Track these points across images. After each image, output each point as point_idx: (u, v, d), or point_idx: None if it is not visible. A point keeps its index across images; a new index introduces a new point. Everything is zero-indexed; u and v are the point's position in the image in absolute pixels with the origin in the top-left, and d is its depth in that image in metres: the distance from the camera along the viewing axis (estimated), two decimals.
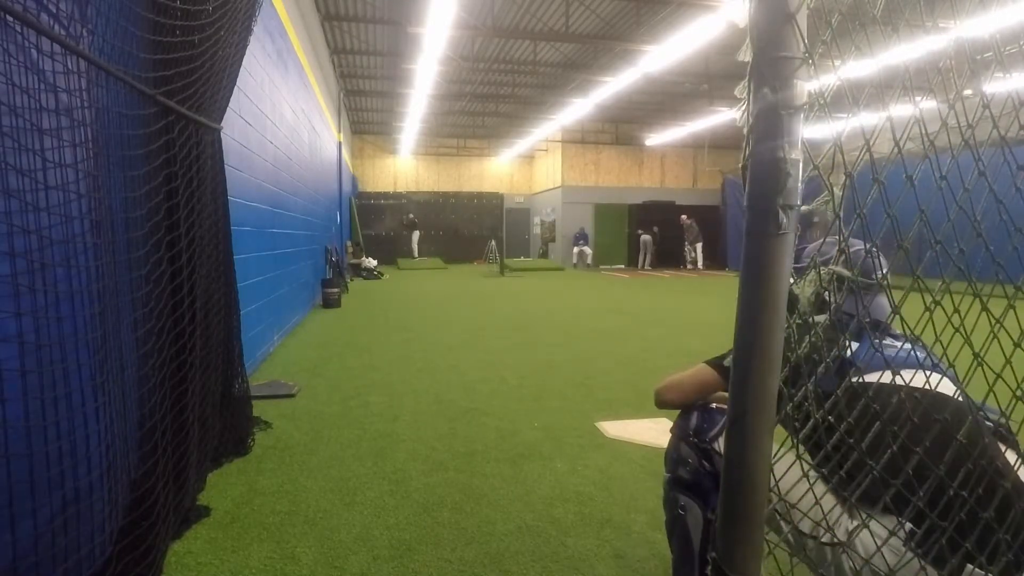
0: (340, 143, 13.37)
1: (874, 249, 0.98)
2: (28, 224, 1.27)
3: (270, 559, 1.88)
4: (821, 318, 1.19)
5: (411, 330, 6.30)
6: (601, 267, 18.67)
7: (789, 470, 0.90)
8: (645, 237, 18.12)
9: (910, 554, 0.98)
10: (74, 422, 1.41)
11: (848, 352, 1.14)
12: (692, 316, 7.70)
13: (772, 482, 0.82)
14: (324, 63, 10.88)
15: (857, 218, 0.86)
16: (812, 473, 0.96)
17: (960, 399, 1.04)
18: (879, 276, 1.03)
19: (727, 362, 1.42)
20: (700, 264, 17.71)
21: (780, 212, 0.68)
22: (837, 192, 0.79)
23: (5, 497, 1.26)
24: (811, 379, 0.89)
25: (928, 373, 1.03)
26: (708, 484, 1.37)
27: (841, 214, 0.82)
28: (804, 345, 0.94)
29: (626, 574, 1.83)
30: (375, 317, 7.27)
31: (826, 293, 1.25)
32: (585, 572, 1.83)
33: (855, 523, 1.03)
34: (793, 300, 1.04)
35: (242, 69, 2.72)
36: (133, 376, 1.78)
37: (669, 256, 18.20)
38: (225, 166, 2.67)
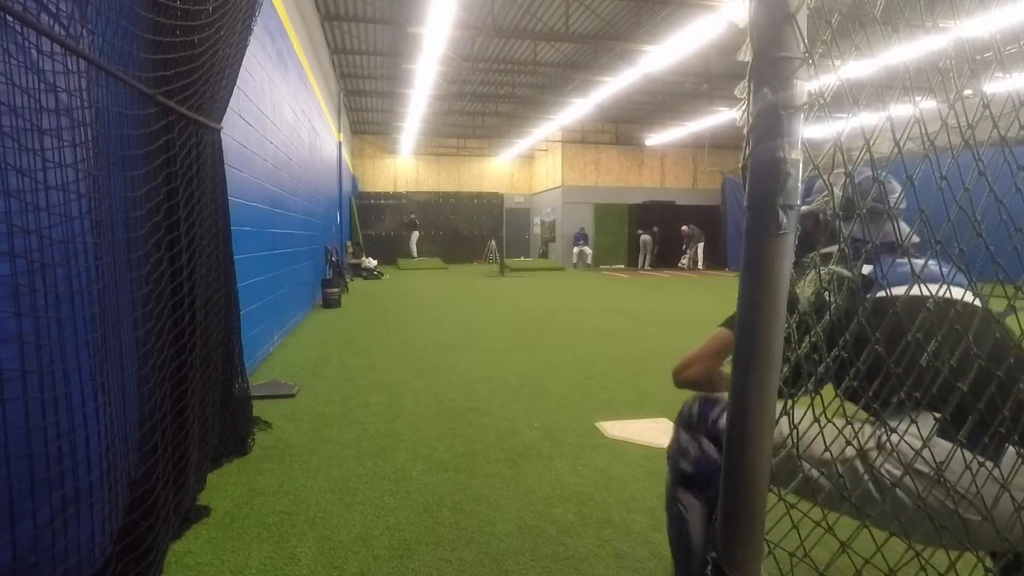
0: (340, 143, 13.37)
1: (883, 175, 0.98)
2: (28, 224, 1.27)
3: (270, 559, 1.88)
4: (830, 249, 1.18)
5: (411, 330, 6.30)
6: (601, 267, 18.67)
7: (805, 414, 0.89)
8: (645, 237, 18.12)
9: (947, 448, 0.97)
10: (74, 422, 1.41)
11: (862, 273, 1.12)
12: (692, 316, 7.70)
13: (787, 428, 0.81)
14: (324, 63, 10.88)
15: (857, 218, 0.86)
16: (828, 412, 0.96)
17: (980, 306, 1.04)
18: (892, 201, 1.04)
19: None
20: (701, 264, 17.71)
21: (780, 212, 0.68)
22: (837, 192, 0.79)
23: (5, 497, 1.26)
24: (822, 314, 0.88)
25: (948, 285, 1.01)
26: (711, 471, 1.33)
27: (841, 213, 0.82)
28: (804, 346, 0.94)
29: (626, 574, 1.83)
30: (375, 317, 7.27)
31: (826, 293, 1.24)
32: (585, 572, 1.83)
33: (883, 432, 1.01)
34: (793, 301, 1.04)
35: (242, 69, 2.71)
36: (133, 376, 1.78)
37: (669, 256, 18.21)
38: (225, 166, 2.67)
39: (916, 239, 1.28)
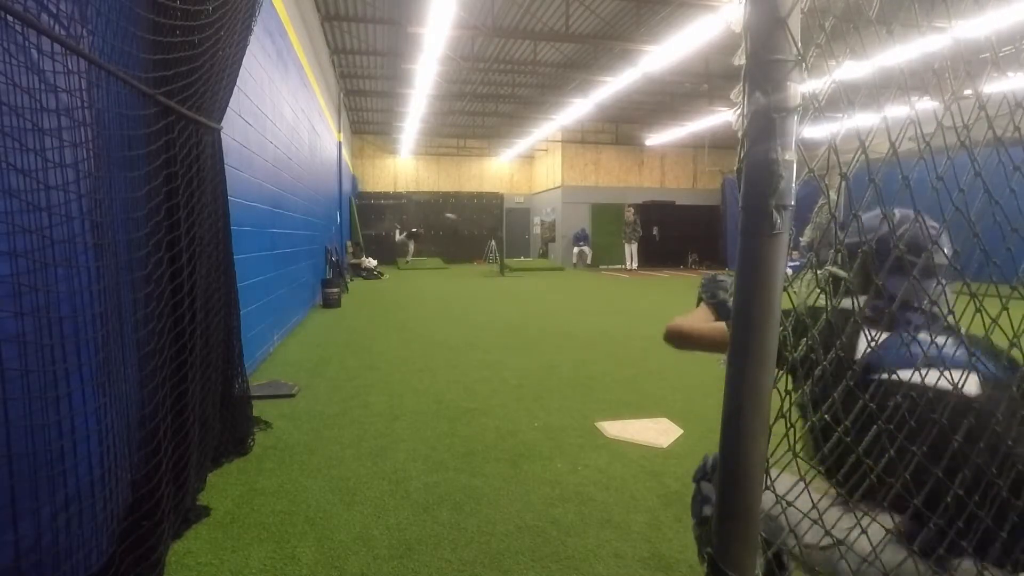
0: (340, 143, 13.38)
1: (927, 222, 0.94)
2: (29, 224, 1.28)
3: (270, 559, 1.89)
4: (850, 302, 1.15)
5: (411, 330, 6.30)
6: (601, 267, 18.66)
7: (783, 477, 0.89)
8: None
9: (903, 553, 0.98)
10: (75, 422, 1.41)
11: (866, 346, 1.06)
12: None
13: (769, 489, 0.81)
14: (324, 63, 10.89)
15: (853, 219, 0.87)
16: (810, 476, 0.96)
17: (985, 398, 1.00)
18: (946, 253, 1.01)
19: (715, 298, 1.51)
20: (633, 264, 17.18)
21: (774, 212, 0.69)
22: (832, 195, 0.79)
23: (7, 496, 1.27)
24: (814, 376, 0.88)
25: (959, 372, 0.97)
26: None
27: (839, 215, 0.82)
28: (801, 347, 0.94)
29: (626, 574, 1.83)
30: (375, 317, 7.28)
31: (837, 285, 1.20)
32: (585, 572, 1.84)
33: (853, 522, 1.02)
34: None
35: (242, 69, 2.72)
36: (134, 376, 1.79)
37: (669, 256, 18.19)
38: (225, 166, 2.68)
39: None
